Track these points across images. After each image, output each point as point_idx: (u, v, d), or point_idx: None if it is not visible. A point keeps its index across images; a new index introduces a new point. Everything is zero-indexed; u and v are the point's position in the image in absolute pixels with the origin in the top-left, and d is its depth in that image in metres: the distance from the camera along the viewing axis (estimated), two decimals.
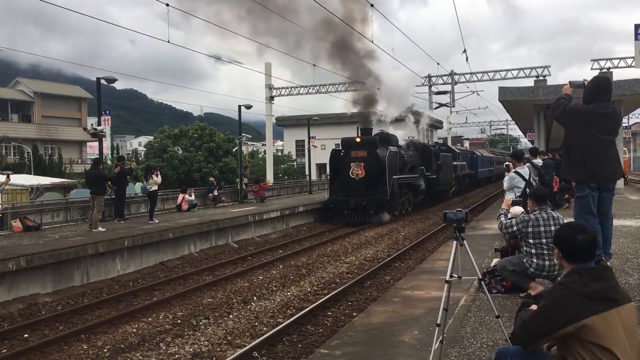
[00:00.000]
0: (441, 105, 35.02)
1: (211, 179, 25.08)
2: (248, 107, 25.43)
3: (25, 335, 8.25)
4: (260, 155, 57.62)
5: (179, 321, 8.68)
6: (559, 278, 6.26)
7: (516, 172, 9.34)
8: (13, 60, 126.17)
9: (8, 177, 15.35)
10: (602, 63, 26.75)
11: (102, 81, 17.25)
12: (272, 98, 35.36)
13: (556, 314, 2.98)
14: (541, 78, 28.38)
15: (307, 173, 34.44)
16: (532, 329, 3.12)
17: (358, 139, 21.99)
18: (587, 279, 2.99)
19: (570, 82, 6.53)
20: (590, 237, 3.10)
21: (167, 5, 16.04)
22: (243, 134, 25.31)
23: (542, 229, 5.97)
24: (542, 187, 8.75)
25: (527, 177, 9.21)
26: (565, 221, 6.16)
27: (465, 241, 4.56)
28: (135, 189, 23.04)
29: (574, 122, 6.18)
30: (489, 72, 32.15)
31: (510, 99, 22.44)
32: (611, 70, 25.82)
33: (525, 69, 30.62)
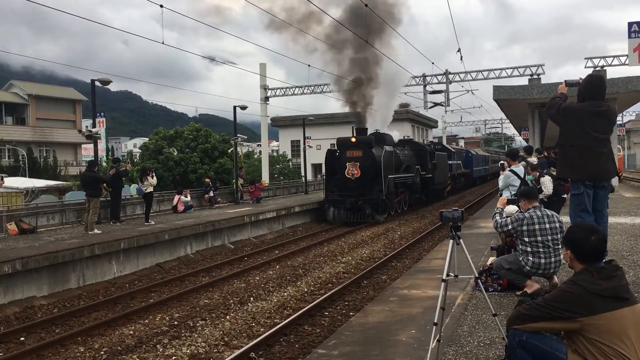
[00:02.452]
0: (436, 104, 35.07)
1: (207, 180, 25.03)
2: (243, 107, 25.38)
3: (22, 339, 8.23)
4: (255, 156, 57.55)
5: (175, 323, 8.67)
6: (555, 276, 6.30)
7: (511, 171, 9.36)
8: (5, 63, 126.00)
9: (2, 179, 15.31)
10: (596, 61, 26.82)
11: (97, 83, 17.18)
12: (267, 98, 35.32)
13: (562, 307, 3.02)
14: (535, 77, 28.45)
15: (302, 173, 34.43)
16: (531, 312, 3.16)
17: (353, 139, 21.99)
18: (598, 278, 3.02)
19: (565, 81, 6.55)
20: (601, 237, 3.16)
21: (161, 6, 15.98)
22: (238, 135, 25.23)
23: (537, 227, 5.99)
24: (530, 185, 8.78)
25: (522, 176, 9.23)
26: (560, 219, 6.22)
27: (461, 240, 4.57)
28: (130, 190, 22.99)
29: (568, 121, 6.20)
30: (484, 71, 32.20)
31: (505, 98, 22.49)
32: (605, 68, 25.90)
33: (519, 67, 30.69)
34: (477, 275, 5.01)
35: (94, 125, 17.35)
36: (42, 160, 45.69)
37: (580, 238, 3.16)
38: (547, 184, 9.65)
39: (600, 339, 2.95)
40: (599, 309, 2.95)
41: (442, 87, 33.29)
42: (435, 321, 4.34)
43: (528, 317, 3.17)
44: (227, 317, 8.87)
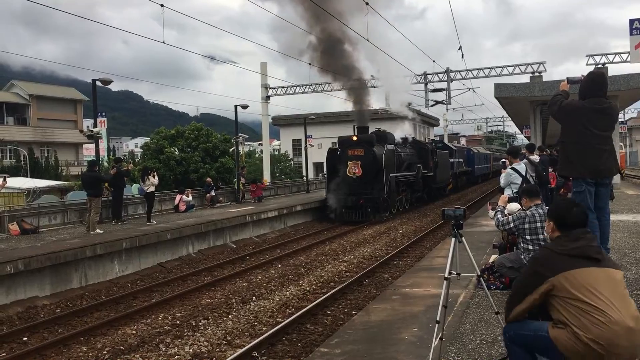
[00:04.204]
0: (437, 102, 34.99)
1: (208, 179, 25.04)
2: (244, 107, 25.37)
3: (25, 339, 8.24)
4: (257, 155, 57.56)
5: (178, 322, 8.68)
6: None
7: (512, 169, 9.34)
8: (5, 63, 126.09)
9: (4, 180, 15.31)
10: (598, 58, 26.73)
11: (98, 83, 17.18)
12: (268, 97, 35.30)
13: (535, 271, 3.20)
14: (537, 74, 28.41)
15: (304, 172, 34.42)
16: (516, 289, 3.34)
17: (355, 138, 21.98)
18: (566, 240, 3.21)
19: (567, 78, 6.54)
20: (582, 210, 3.37)
21: (162, 5, 16.00)
22: (240, 134, 25.24)
23: (538, 224, 5.97)
24: (532, 183, 8.76)
25: (523, 174, 9.21)
26: None
27: (463, 238, 4.57)
28: (132, 190, 23.00)
29: (570, 118, 6.19)
30: (485, 68, 32.10)
31: (506, 96, 22.47)
32: (606, 65, 25.82)
33: (520, 65, 30.57)
34: (479, 274, 5.01)
35: (95, 125, 17.35)
36: (43, 160, 45.68)
37: (563, 209, 3.36)
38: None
39: (570, 295, 3.03)
40: (566, 267, 3.07)
41: (444, 85, 33.21)
42: (438, 319, 4.34)
43: (514, 299, 3.31)
44: (230, 316, 8.88)
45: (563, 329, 3.05)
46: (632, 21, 22.86)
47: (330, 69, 24.80)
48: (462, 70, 32.49)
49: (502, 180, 9.73)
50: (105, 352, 7.42)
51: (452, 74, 32.57)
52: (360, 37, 21.52)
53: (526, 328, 3.24)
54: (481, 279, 5.21)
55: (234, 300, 9.91)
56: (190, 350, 7.26)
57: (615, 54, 26.89)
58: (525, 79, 29.08)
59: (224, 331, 8.06)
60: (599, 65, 25.48)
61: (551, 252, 3.21)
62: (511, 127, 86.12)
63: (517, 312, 3.27)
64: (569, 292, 3.02)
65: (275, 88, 35.76)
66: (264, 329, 8.13)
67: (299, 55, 24.79)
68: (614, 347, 2.93)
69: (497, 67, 31.53)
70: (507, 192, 8.72)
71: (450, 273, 4.46)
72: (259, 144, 61.87)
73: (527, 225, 6.00)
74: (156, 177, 17.09)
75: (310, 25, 22.85)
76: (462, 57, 29.05)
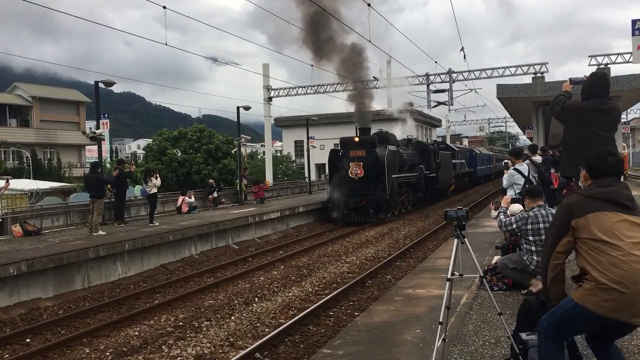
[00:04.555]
0: (439, 103, 34.99)
1: (211, 180, 25.06)
2: (246, 108, 25.38)
3: (27, 340, 8.25)
4: (259, 157, 57.57)
5: (180, 323, 8.69)
6: None
7: (515, 170, 9.33)
8: (8, 65, 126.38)
9: (7, 181, 15.36)
10: (600, 59, 26.69)
11: (100, 84, 17.19)
12: (270, 99, 35.33)
13: (564, 214, 3.20)
14: (539, 75, 28.39)
15: (306, 173, 34.44)
16: (549, 237, 3.34)
17: (357, 139, 21.97)
18: (596, 186, 3.20)
19: (570, 79, 6.53)
20: (618, 160, 3.33)
21: (164, 7, 16.04)
22: (242, 135, 25.25)
23: (541, 225, 5.97)
24: (535, 184, 8.75)
25: (526, 174, 9.20)
26: None
27: (466, 239, 4.56)
28: (134, 191, 23.03)
29: (572, 119, 6.18)
30: (487, 69, 32.09)
31: (509, 96, 22.49)
32: (609, 66, 25.80)
33: (522, 66, 30.54)
34: (482, 274, 5.01)
35: (97, 127, 17.39)
36: (46, 162, 45.80)
37: (597, 158, 3.31)
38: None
39: (594, 236, 3.01)
40: (592, 209, 3.06)
41: (446, 86, 33.21)
42: (441, 320, 4.33)
43: (548, 248, 3.28)
44: (232, 317, 8.88)
45: (582, 285, 3.04)
46: (634, 22, 22.85)
47: (326, 52, 24.50)
48: (464, 71, 32.48)
49: (505, 181, 9.72)
50: (108, 354, 7.42)
51: (454, 75, 32.57)
52: (361, 36, 21.52)
53: (555, 312, 3.22)
54: (484, 280, 5.20)
55: (236, 301, 9.92)
56: (193, 352, 7.27)
57: (618, 54, 26.85)
58: (527, 79, 29.04)
59: (226, 332, 8.06)
60: (602, 66, 25.46)
61: (580, 195, 3.22)
62: (513, 128, 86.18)
63: (554, 263, 3.22)
64: (592, 234, 3.00)
65: (277, 89, 35.81)
66: (266, 330, 8.13)
67: (290, 44, 24.60)
68: (638, 285, 2.87)
69: (499, 68, 31.52)
70: (510, 193, 8.71)
71: (452, 274, 4.45)
72: (261, 145, 61.93)
73: (529, 226, 6.00)
74: (159, 179, 17.11)
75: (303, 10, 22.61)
76: (464, 57, 29.11)
